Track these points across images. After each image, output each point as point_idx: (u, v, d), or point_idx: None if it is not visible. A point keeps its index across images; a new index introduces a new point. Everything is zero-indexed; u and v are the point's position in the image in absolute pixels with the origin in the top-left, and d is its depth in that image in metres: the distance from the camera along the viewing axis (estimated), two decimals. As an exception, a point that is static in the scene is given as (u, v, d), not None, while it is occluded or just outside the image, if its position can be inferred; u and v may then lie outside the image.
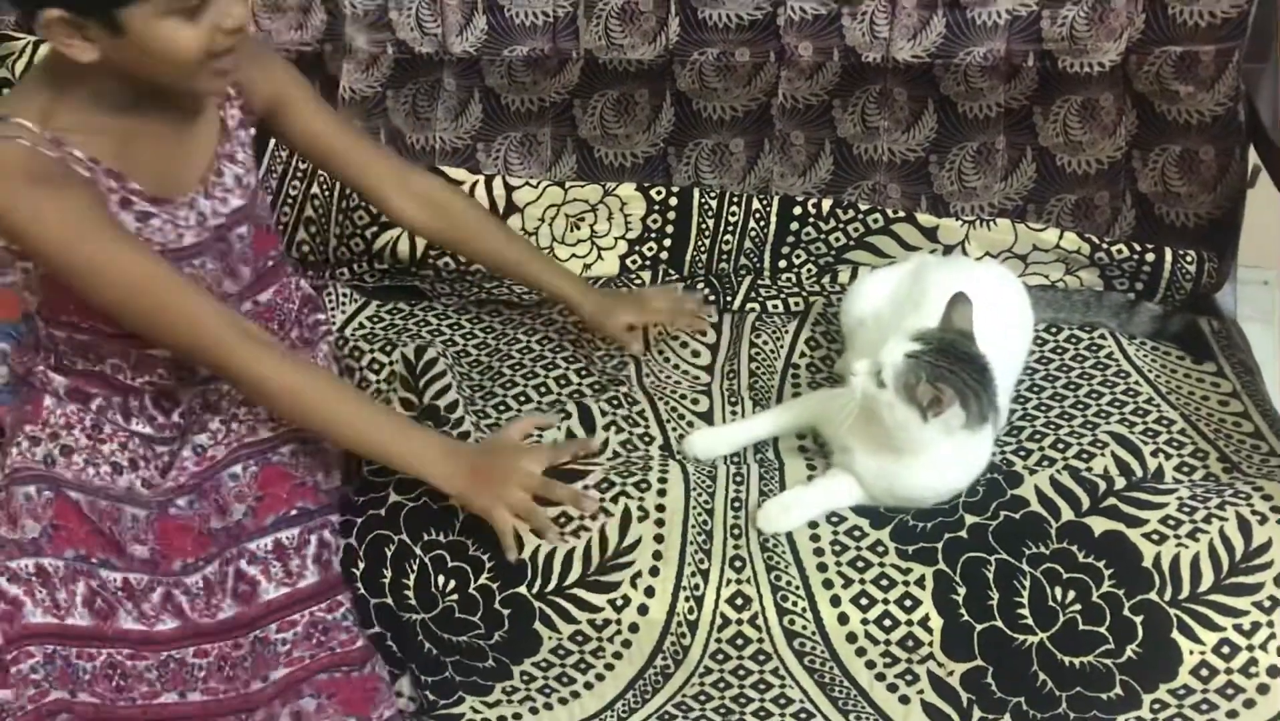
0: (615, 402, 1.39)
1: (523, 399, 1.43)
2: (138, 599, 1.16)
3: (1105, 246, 1.57)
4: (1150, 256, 1.56)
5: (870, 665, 1.17)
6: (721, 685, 1.21)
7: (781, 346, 1.52)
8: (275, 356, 1.18)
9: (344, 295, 1.63)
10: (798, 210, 1.64)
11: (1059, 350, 1.48)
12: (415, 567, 1.21)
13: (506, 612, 1.19)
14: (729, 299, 1.61)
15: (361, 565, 1.23)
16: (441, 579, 1.21)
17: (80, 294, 1.13)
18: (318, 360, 1.39)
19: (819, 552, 1.21)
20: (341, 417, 1.20)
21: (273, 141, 1.66)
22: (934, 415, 1.13)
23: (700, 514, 1.24)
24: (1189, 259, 1.57)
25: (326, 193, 1.71)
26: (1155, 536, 1.17)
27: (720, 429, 1.36)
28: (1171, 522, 1.18)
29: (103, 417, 1.26)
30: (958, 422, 1.14)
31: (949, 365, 1.14)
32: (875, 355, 1.17)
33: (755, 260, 1.66)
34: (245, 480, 1.23)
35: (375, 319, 1.60)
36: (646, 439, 1.35)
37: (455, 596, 1.20)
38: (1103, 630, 1.14)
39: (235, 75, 1.17)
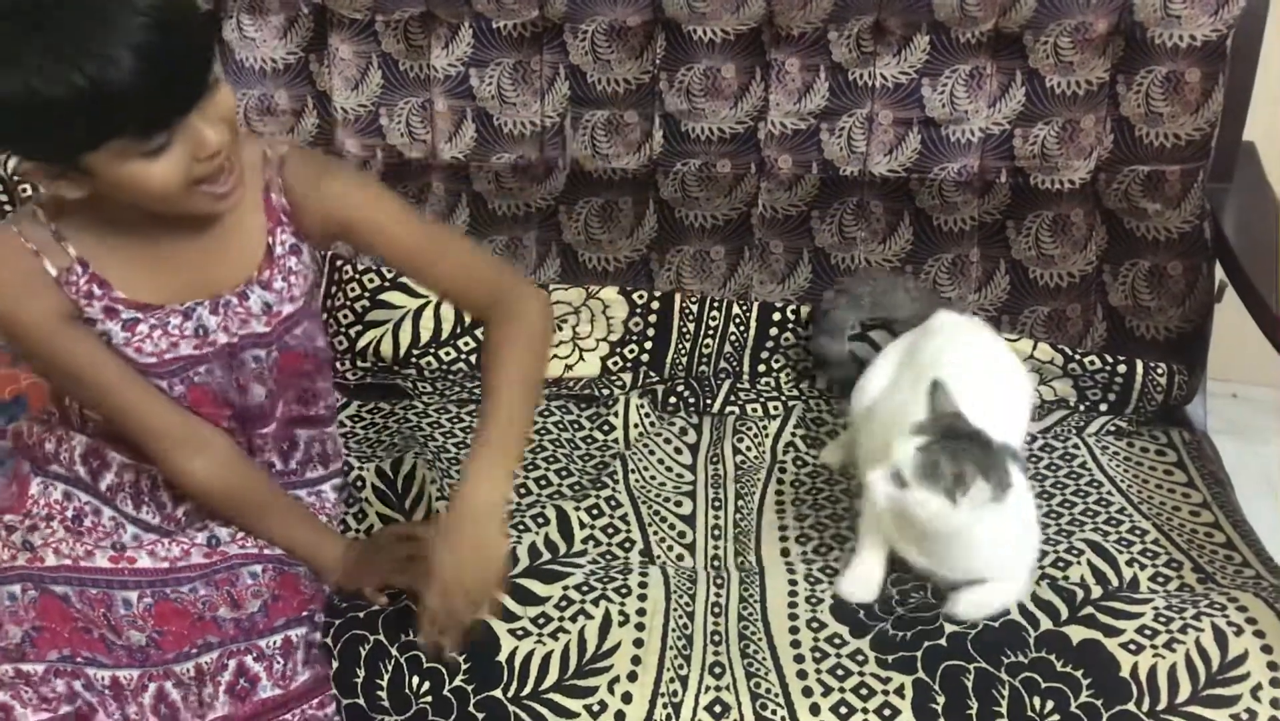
0: (596, 512, 1.38)
1: (502, 499, 1.43)
2: (124, 700, 1.14)
3: (1078, 358, 1.60)
4: (1122, 368, 1.59)
5: (849, 775, 1.16)
6: (699, 794, 1.19)
7: (764, 451, 1.54)
8: (206, 459, 1.21)
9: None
10: (777, 316, 1.67)
11: (1033, 459, 1.49)
12: (389, 668, 1.20)
13: (480, 716, 1.17)
14: (709, 401, 1.63)
15: (335, 664, 1.21)
16: (416, 680, 1.19)
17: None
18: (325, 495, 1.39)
19: (799, 660, 1.20)
20: (261, 524, 1.27)
21: None
22: (961, 495, 1.15)
23: (681, 617, 1.23)
24: (1160, 371, 1.60)
25: (312, 291, 1.73)
26: (1132, 646, 1.17)
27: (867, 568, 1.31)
28: (1148, 632, 1.19)
29: (95, 504, 1.24)
30: (984, 496, 1.16)
31: (959, 445, 1.17)
32: (885, 457, 1.19)
33: (735, 364, 1.68)
34: (264, 580, 1.24)
35: (356, 418, 1.61)
36: (627, 545, 1.35)
37: (429, 698, 1.18)
38: (1082, 741, 1.13)
39: (238, 197, 1.11)
